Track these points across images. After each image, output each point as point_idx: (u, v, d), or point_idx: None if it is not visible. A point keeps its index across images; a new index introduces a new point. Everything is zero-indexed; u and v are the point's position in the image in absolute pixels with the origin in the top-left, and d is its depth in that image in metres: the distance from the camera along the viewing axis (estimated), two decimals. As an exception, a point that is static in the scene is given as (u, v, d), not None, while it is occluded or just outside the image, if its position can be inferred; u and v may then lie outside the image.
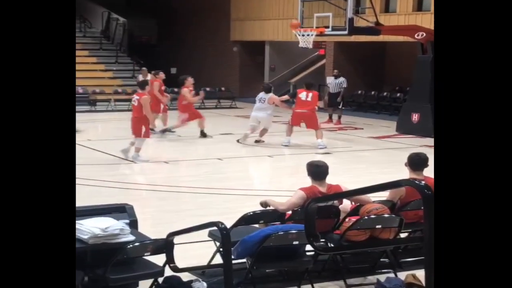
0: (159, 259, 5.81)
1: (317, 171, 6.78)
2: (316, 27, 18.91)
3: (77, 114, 20.66)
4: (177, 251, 5.83)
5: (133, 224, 6.07)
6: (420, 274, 6.17)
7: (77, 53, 26.73)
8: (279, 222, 6.61)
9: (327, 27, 18.87)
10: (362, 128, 19.97)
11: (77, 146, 14.27)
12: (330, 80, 21.44)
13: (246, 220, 6.62)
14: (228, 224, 5.93)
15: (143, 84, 13.96)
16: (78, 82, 24.45)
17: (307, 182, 6.88)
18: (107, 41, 30.79)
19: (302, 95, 15.93)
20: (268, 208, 6.81)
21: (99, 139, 16.85)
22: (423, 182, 3.36)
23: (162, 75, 18.14)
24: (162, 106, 17.51)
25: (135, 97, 13.66)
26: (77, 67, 24.63)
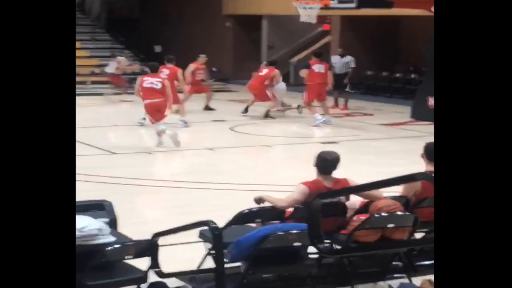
0: (142, 263, 5.81)
1: (324, 164, 6.78)
2: (320, -1, 18.87)
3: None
4: (162, 254, 5.83)
5: (113, 223, 6.07)
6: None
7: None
8: (278, 221, 6.61)
9: (333, -1, 18.83)
10: (372, 114, 19.98)
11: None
12: (335, 59, 21.41)
13: (241, 218, 6.62)
14: (221, 223, 5.93)
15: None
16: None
17: (311, 175, 6.88)
18: (82, 15, 30.70)
19: (316, 67, 17.45)
20: (265, 205, 6.81)
21: (73, 127, 16.84)
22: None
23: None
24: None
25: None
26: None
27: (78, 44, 27.92)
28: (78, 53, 27.16)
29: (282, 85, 19.20)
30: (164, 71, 16.96)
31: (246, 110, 18.98)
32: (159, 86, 14.11)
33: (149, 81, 14.15)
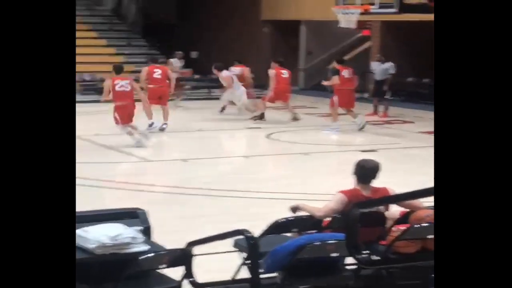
0: (176, 273, 5.80)
1: (363, 173, 6.72)
2: (361, 4, 18.80)
3: (84, 105, 20.60)
4: (197, 263, 5.82)
5: (147, 231, 6.07)
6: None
7: (84, 34, 26.89)
8: (315, 231, 6.57)
9: (373, 4, 18.75)
10: (413, 122, 19.84)
11: (83, 141, 14.37)
12: (375, 65, 21.34)
13: (277, 227, 6.59)
14: (256, 232, 5.91)
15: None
16: (85, 68, 24.61)
17: (350, 184, 6.83)
18: (118, 20, 30.95)
19: (346, 72, 17.77)
20: (302, 214, 6.77)
21: (108, 134, 16.93)
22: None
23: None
24: None
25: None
26: (84, 50, 24.76)
27: (113, 50, 28.16)
28: (113, 58, 27.37)
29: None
30: (157, 71, 17.02)
31: (262, 117, 19.12)
32: (129, 88, 14.53)
33: (120, 84, 14.33)
